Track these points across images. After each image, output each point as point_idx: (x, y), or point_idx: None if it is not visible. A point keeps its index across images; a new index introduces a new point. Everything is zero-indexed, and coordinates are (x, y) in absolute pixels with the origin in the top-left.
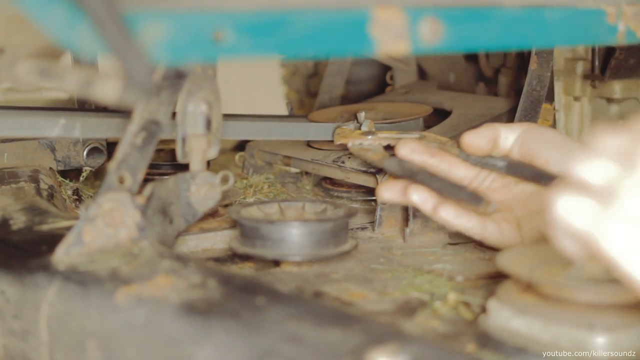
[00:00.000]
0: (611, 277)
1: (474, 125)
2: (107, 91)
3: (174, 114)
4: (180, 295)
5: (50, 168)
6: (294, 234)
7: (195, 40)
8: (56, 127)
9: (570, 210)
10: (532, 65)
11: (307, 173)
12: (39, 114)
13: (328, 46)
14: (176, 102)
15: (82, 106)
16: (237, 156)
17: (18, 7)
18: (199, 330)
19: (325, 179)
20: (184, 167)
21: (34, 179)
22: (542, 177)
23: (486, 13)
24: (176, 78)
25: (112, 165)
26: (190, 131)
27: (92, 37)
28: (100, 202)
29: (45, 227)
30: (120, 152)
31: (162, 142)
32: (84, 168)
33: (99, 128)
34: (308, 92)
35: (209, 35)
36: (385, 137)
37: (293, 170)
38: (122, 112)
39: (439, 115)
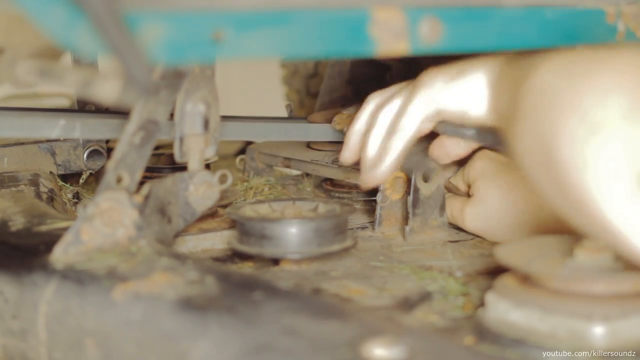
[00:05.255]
0: (609, 268)
1: None
2: (106, 91)
3: (171, 114)
4: (177, 291)
5: (51, 172)
6: (292, 232)
7: (194, 40)
8: (56, 128)
9: None
10: None
11: (308, 175)
12: (38, 114)
13: (328, 46)
14: (175, 101)
15: (83, 108)
16: (238, 159)
17: (18, 7)
18: (196, 325)
19: (325, 180)
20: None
21: (34, 182)
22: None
23: (486, 13)
24: (175, 78)
25: (110, 165)
26: (188, 131)
27: (92, 37)
28: (98, 201)
29: (43, 228)
30: (118, 151)
31: (162, 146)
32: (84, 171)
33: (98, 129)
34: (308, 92)
35: (208, 35)
36: None
37: (294, 172)
38: (122, 113)
39: None
